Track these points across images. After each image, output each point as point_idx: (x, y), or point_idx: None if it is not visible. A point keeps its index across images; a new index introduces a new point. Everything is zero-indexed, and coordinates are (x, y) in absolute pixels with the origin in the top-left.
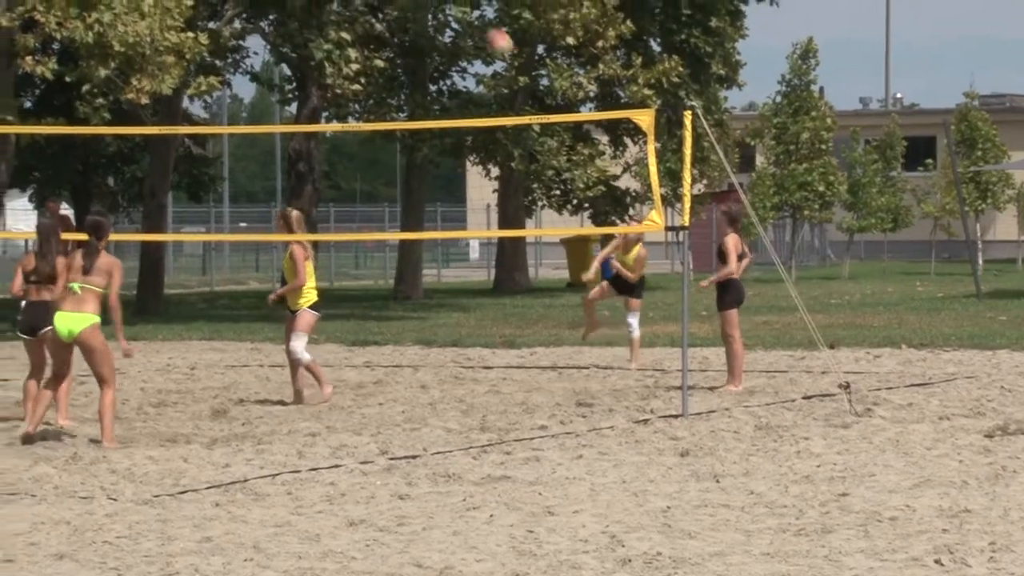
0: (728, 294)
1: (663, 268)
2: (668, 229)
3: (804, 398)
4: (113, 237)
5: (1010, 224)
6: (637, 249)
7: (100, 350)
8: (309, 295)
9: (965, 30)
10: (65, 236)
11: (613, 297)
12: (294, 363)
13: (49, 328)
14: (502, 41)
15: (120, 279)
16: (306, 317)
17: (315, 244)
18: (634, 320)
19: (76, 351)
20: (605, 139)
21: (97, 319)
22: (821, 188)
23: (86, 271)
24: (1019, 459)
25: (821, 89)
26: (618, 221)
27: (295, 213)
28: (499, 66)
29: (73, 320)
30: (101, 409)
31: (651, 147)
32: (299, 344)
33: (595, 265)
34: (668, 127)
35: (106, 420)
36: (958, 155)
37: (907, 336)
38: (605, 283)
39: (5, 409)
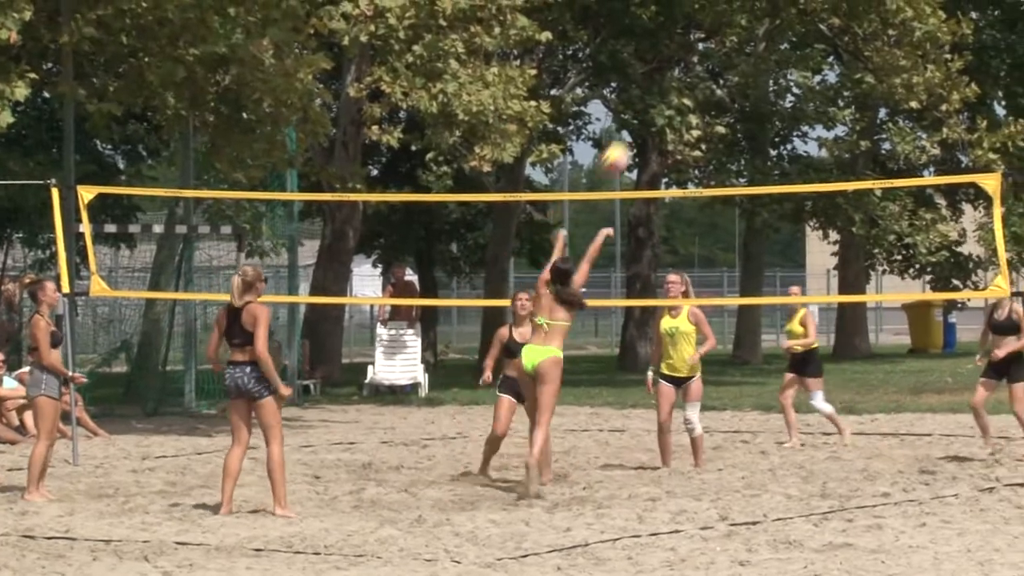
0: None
1: None
2: (1014, 295)
3: None
4: (455, 302)
5: None
6: (802, 313)
7: (552, 384)
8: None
9: None
10: (406, 302)
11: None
12: (692, 434)
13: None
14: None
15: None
16: (700, 385)
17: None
18: (817, 401)
19: None
20: (943, 203)
21: (558, 353)
22: None
23: (552, 309)
24: None
25: None
26: (961, 286)
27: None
28: (841, 130)
29: (536, 352)
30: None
31: (996, 211)
32: (695, 414)
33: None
34: (1014, 191)
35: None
36: None
37: None
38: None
39: (354, 472)
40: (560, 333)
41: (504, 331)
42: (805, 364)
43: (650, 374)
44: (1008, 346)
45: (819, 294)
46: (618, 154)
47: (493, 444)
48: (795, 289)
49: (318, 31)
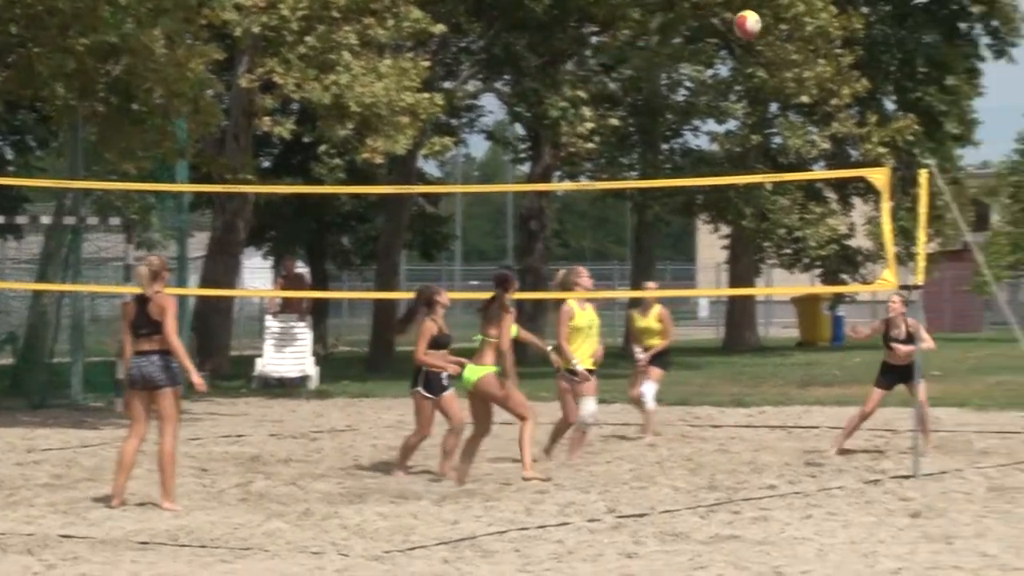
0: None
1: None
2: (901, 287)
3: None
4: (346, 295)
5: None
6: (657, 310)
7: (498, 396)
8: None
9: None
10: (297, 294)
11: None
12: (582, 425)
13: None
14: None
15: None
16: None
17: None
18: (649, 391)
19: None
20: (834, 197)
21: (491, 369)
22: None
23: (484, 325)
24: None
25: None
26: (849, 280)
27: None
28: (733, 124)
29: (472, 371)
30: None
31: (885, 205)
32: (593, 406)
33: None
34: (901, 185)
35: (524, 450)
36: None
37: None
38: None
39: (241, 464)
40: (492, 349)
41: (431, 324)
42: (659, 356)
43: (580, 367)
44: (909, 353)
45: (710, 287)
46: (750, 17)
47: (414, 446)
48: (651, 284)
49: (210, 21)
